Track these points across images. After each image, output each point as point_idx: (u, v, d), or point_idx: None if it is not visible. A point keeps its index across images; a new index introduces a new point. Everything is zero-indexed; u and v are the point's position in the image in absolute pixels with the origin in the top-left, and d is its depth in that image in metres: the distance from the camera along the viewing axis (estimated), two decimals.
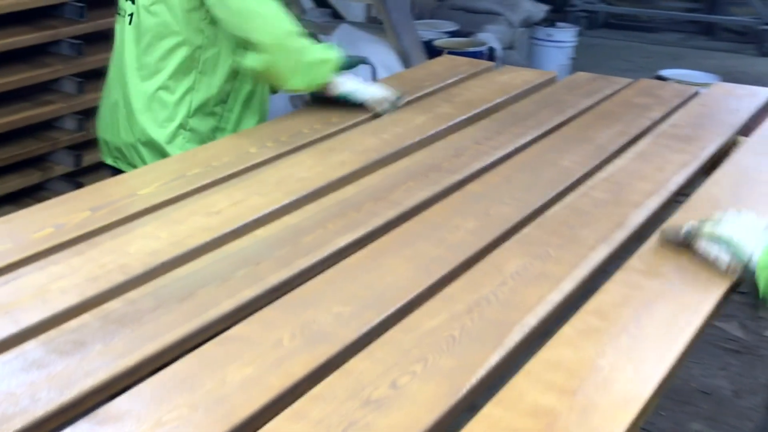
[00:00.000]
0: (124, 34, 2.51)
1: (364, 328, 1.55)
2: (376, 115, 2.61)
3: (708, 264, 1.77)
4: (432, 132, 2.49)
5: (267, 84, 2.57)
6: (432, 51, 5.30)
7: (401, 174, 2.21)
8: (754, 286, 1.67)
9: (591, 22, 8.89)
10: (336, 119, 2.54)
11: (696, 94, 2.97)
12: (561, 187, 2.16)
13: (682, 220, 1.91)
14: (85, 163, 3.20)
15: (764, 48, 8.20)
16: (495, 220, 1.98)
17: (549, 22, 6.95)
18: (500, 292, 1.68)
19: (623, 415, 1.35)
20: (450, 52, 5.26)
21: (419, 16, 6.41)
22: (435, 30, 6.07)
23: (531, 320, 1.60)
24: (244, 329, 1.54)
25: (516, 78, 3.04)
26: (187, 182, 2.09)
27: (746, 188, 2.22)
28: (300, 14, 5.12)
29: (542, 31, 6.79)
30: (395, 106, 2.66)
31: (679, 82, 5.38)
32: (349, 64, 2.76)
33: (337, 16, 5.57)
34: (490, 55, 5.90)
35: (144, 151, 2.48)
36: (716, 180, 2.26)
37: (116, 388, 1.40)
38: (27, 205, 2.02)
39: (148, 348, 1.47)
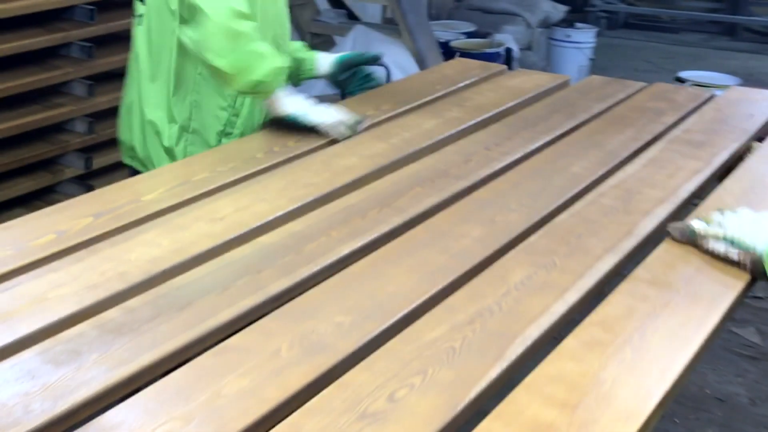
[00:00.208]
0: (137, 35, 2.51)
1: (364, 339, 1.54)
2: (334, 141, 2.41)
3: (719, 263, 1.80)
4: (441, 137, 2.47)
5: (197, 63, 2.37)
6: (449, 52, 5.28)
7: (408, 180, 2.19)
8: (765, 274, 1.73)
9: (611, 23, 8.84)
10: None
11: (711, 98, 2.94)
12: (569, 195, 2.13)
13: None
14: (96, 166, 3.20)
15: None
16: (501, 228, 1.96)
17: (568, 22, 6.91)
18: (504, 302, 1.66)
19: (624, 430, 1.32)
20: (467, 53, 5.24)
21: (436, 17, 6.39)
22: (452, 31, 6.04)
23: (534, 332, 1.57)
24: (242, 339, 1.53)
25: (528, 82, 3.01)
26: (192, 187, 2.08)
27: (758, 195, 2.18)
28: (315, 15, 5.11)
29: (561, 32, 6.74)
30: (353, 131, 2.44)
31: (699, 83, 5.38)
32: (364, 61, 2.75)
33: (352, 17, 5.56)
34: (508, 56, 5.87)
35: (153, 153, 2.47)
36: (727, 187, 2.22)
37: (111, 399, 1.39)
38: (37, 208, 2.00)
39: (144, 358, 1.46)
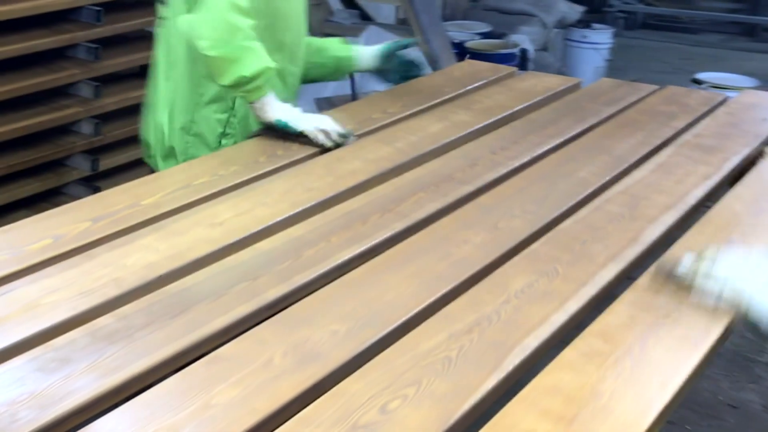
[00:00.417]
0: (158, 36, 2.52)
1: (359, 348, 1.51)
2: (326, 150, 2.36)
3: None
4: (447, 140, 2.44)
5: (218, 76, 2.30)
6: (463, 53, 5.24)
7: (412, 184, 2.16)
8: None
9: (629, 23, 8.78)
10: (350, 127, 2.49)
11: (724, 101, 2.89)
12: (575, 200, 2.10)
13: (680, 251, 1.78)
14: (103, 168, 3.19)
15: None
16: (504, 235, 1.93)
17: (584, 23, 6.85)
18: (503, 311, 1.63)
19: None
20: (481, 54, 5.20)
21: (451, 17, 6.35)
22: (467, 31, 6.00)
23: (532, 342, 1.54)
24: (235, 348, 1.51)
25: (538, 84, 2.98)
26: (192, 191, 2.06)
27: None
28: (328, 15, 5.09)
29: (577, 33, 6.69)
30: (343, 140, 2.38)
31: (716, 85, 5.32)
32: (401, 45, 2.78)
33: (366, 18, 5.53)
34: (523, 56, 5.83)
35: (158, 154, 2.49)
36: (738, 194, 2.19)
37: (100, 409, 1.37)
38: (43, 209, 1.99)
39: (135, 367, 1.44)
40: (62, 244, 1.80)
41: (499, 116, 2.66)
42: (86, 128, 3.10)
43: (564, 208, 2.06)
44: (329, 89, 4.21)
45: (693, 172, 2.28)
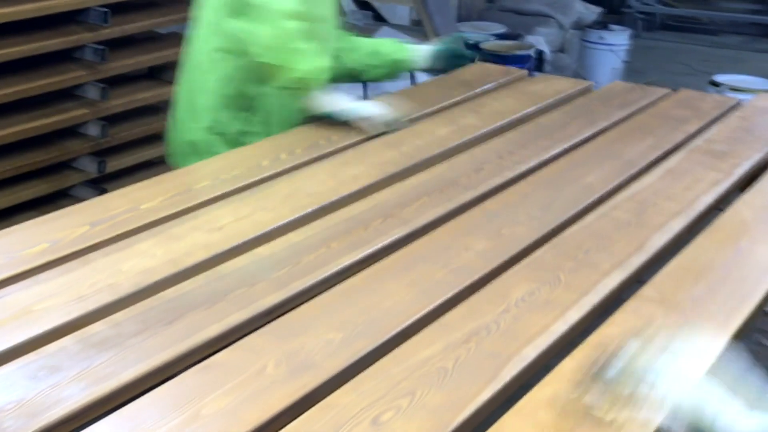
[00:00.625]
0: (191, 36, 2.55)
1: (353, 358, 1.49)
2: (376, 136, 2.44)
3: (731, 282, 1.53)
4: (453, 144, 2.42)
5: (268, 58, 2.34)
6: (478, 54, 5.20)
7: (416, 189, 2.13)
8: None
9: (648, 24, 8.70)
10: (356, 131, 2.47)
11: (737, 105, 2.85)
12: (581, 207, 2.07)
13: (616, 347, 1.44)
14: (110, 170, 3.17)
15: None
16: (507, 241, 1.90)
17: (602, 24, 6.80)
18: (502, 320, 1.60)
19: None
20: (497, 55, 5.16)
21: (467, 18, 6.31)
22: (483, 32, 5.95)
23: (531, 353, 1.51)
24: (228, 356, 1.48)
25: (548, 87, 2.94)
26: (192, 196, 2.04)
27: None
28: (341, 16, 5.05)
29: (594, 34, 6.63)
30: (392, 127, 2.47)
31: (735, 87, 5.26)
32: (454, 41, 2.82)
33: (379, 19, 5.50)
34: (539, 58, 5.79)
35: (179, 151, 2.53)
36: (747, 200, 2.15)
37: (88, 418, 1.35)
38: (49, 211, 1.98)
39: (125, 375, 1.42)
40: (59, 248, 1.78)
41: (508, 120, 2.63)
42: (93, 130, 3.09)
43: (569, 214, 2.03)
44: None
45: (702, 178, 2.24)
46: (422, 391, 1.40)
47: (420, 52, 2.77)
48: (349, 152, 2.35)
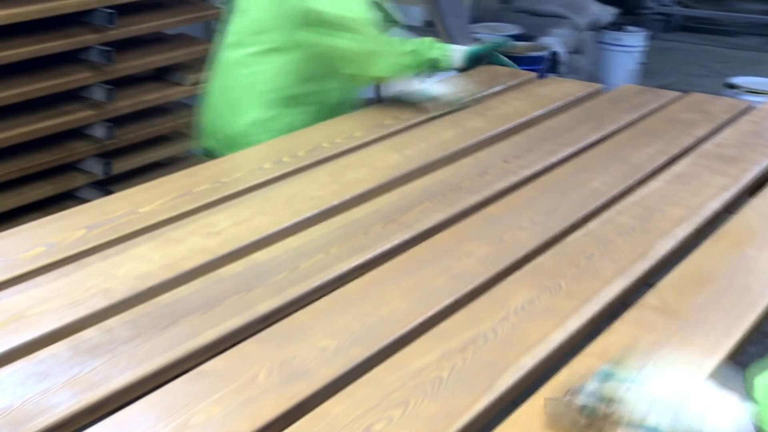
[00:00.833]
0: (229, 28, 2.63)
1: (348, 366, 1.46)
2: (444, 114, 2.65)
3: (735, 290, 1.53)
4: (458, 148, 2.39)
5: (353, 68, 2.58)
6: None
7: (418, 194, 2.11)
8: None
9: (666, 26, 8.64)
10: (360, 133, 2.46)
11: (748, 109, 2.81)
12: (585, 212, 2.04)
13: (575, 376, 1.39)
14: (116, 171, 3.16)
15: None
16: (509, 247, 1.87)
17: (618, 25, 6.75)
18: (500, 328, 1.57)
19: None
20: (511, 57, 5.13)
21: (481, 19, 6.27)
22: (497, 33, 5.91)
23: (528, 362, 1.49)
24: (220, 363, 1.47)
25: (557, 90, 2.91)
26: (192, 199, 2.03)
27: None
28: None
29: (610, 35, 6.58)
30: (457, 106, 2.69)
31: (751, 90, 5.22)
32: (493, 48, 2.92)
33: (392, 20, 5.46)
34: (554, 59, 5.75)
35: (237, 139, 2.55)
36: (755, 206, 2.12)
37: (76, 426, 1.34)
38: (55, 213, 1.97)
39: (115, 382, 1.40)
40: (55, 252, 1.77)
41: (515, 123, 2.60)
42: (99, 132, 3.08)
43: (573, 219, 2.00)
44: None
45: (710, 183, 2.21)
46: (416, 401, 1.38)
47: (455, 52, 2.79)
48: (353, 155, 2.33)
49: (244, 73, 2.56)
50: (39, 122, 2.93)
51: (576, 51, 6.30)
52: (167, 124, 3.41)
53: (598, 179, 2.22)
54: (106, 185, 3.13)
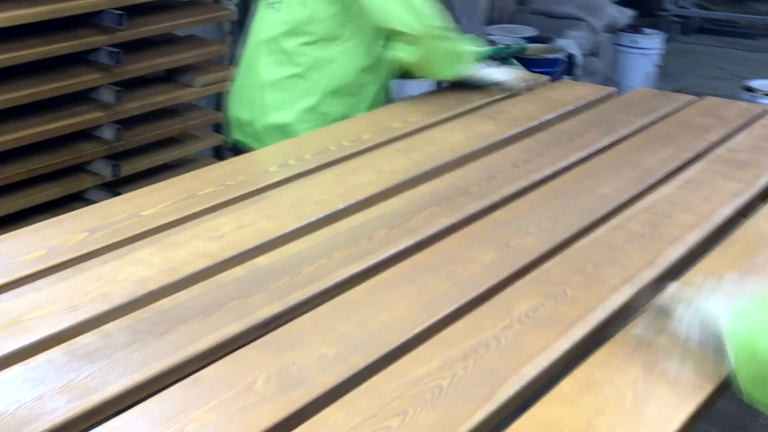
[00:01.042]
0: (266, 19, 2.68)
1: (346, 374, 1.44)
2: (508, 97, 2.82)
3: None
4: (467, 152, 2.36)
5: (418, 74, 2.75)
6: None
7: (425, 198, 2.08)
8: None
9: (685, 28, 8.58)
10: (368, 136, 2.44)
11: (763, 113, 2.77)
12: (594, 218, 2.01)
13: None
14: (124, 173, 3.15)
15: None
16: (515, 253, 1.85)
17: (635, 27, 6.70)
18: (503, 336, 1.55)
19: None
20: (527, 59, 5.09)
21: (498, 21, 6.25)
22: (513, 35, 5.89)
23: (530, 371, 1.46)
24: (217, 370, 1.45)
25: (569, 93, 2.88)
26: (195, 202, 2.01)
27: None
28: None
29: (627, 38, 6.55)
30: (521, 89, 2.86)
31: None
32: (507, 54, 3.03)
33: None
34: (570, 61, 5.72)
35: (274, 131, 2.62)
36: (766, 213, 2.08)
37: None
38: (62, 214, 1.98)
39: (111, 389, 1.38)
40: (55, 255, 1.76)
41: (525, 127, 2.58)
42: (107, 133, 3.07)
43: (581, 225, 1.97)
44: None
45: (722, 189, 2.17)
46: (414, 410, 1.35)
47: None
48: (360, 159, 2.30)
49: (299, 62, 2.61)
50: (47, 123, 2.93)
51: (592, 53, 6.26)
52: (177, 125, 3.40)
53: (607, 184, 2.19)
54: (115, 187, 3.12)
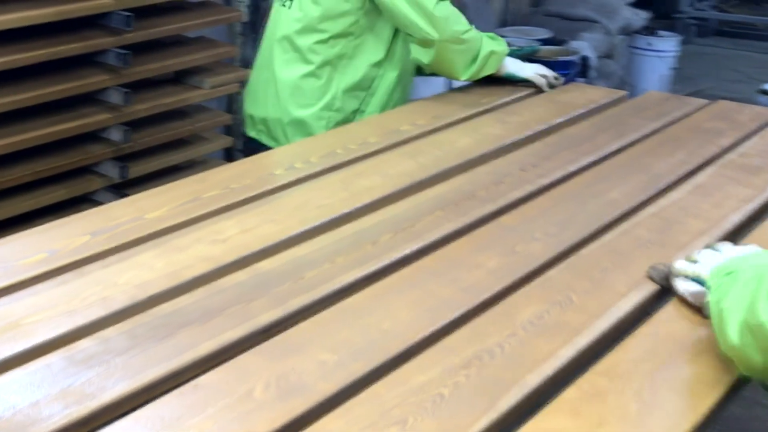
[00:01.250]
0: (280, 17, 2.72)
1: (347, 381, 1.42)
2: (540, 91, 2.88)
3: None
4: (474, 156, 2.34)
5: (437, 73, 2.80)
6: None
7: (430, 202, 2.06)
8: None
9: (702, 30, 8.53)
10: (375, 139, 2.42)
11: None
12: (602, 223, 1.98)
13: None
14: (132, 175, 3.14)
15: None
16: (521, 259, 1.82)
17: (651, 30, 6.67)
18: (507, 344, 1.53)
19: None
20: (540, 61, 5.06)
21: (511, 23, 6.23)
22: (527, 37, 5.85)
23: (533, 380, 1.44)
24: (216, 377, 1.43)
25: (580, 97, 2.86)
26: (200, 205, 1.99)
27: None
28: None
29: (642, 40, 6.51)
30: (552, 85, 2.91)
31: None
32: (521, 56, 3.01)
33: None
34: (584, 64, 5.68)
35: (289, 129, 2.68)
36: None
37: None
38: (70, 216, 1.97)
39: (108, 395, 1.37)
40: (57, 258, 1.74)
41: (535, 130, 2.55)
42: (115, 135, 3.06)
43: (589, 231, 1.95)
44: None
45: (733, 195, 2.15)
46: (414, 418, 1.33)
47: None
48: (366, 162, 2.28)
49: (312, 60, 2.64)
50: (54, 125, 2.92)
51: (607, 56, 6.23)
52: (185, 127, 3.39)
53: (616, 189, 2.16)
54: (123, 189, 3.11)
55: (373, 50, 2.66)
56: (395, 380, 1.43)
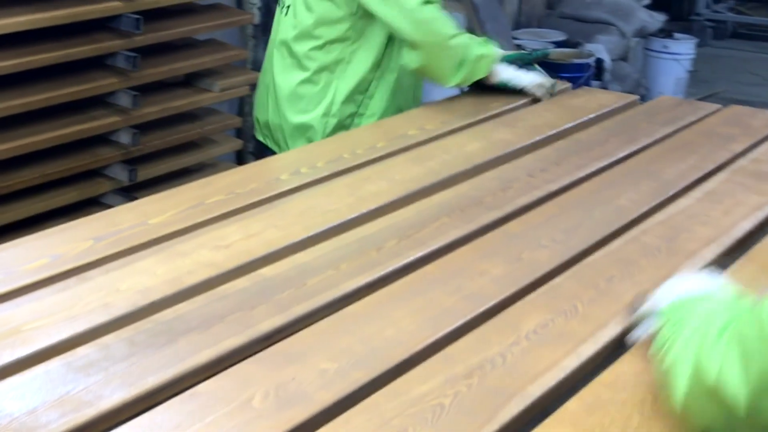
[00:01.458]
0: (279, 24, 2.73)
1: (346, 391, 1.41)
2: (536, 100, 2.80)
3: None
4: (482, 161, 2.32)
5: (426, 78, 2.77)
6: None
7: (436, 208, 2.05)
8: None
9: (718, 33, 8.48)
10: (382, 144, 2.40)
11: None
12: (609, 231, 1.96)
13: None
14: (141, 178, 3.14)
15: None
16: (526, 267, 1.81)
17: (666, 32, 6.63)
18: (509, 353, 1.51)
19: None
20: (554, 64, 5.04)
21: (525, 25, 6.21)
22: (541, 39, 5.84)
23: (535, 390, 1.42)
24: (215, 385, 1.42)
25: (591, 101, 2.83)
26: (204, 210, 1.98)
27: None
28: None
29: (658, 43, 6.48)
30: (551, 94, 2.83)
31: None
32: (531, 59, 2.96)
33: None
34: (598, 66, 5.65)
35: (289, 134, 2.69)
36: None
37: None
38: (80, 219, 1.97)
39: (106, 402, 1.36)
40: (59, 264, 1.73)
41: (544, 135, 2.53)
42: (124, 138, 3.06)
43: (596, 238, 1.93)
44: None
45: (744, 202, 2.12)
46: (414, 429, 1.32)
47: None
48: (372, 167, 2.27)
49: (308, 66, 2.64)
50: (64, 128, 2.92)
51: (622, 58, 6.20)
52: (195, 130, 3.39)
53: (625, 196, 2.14)
54: (132, 192, 3.11)
55: (369, 54, 2.65)
56: (396, 390, 1.41)
